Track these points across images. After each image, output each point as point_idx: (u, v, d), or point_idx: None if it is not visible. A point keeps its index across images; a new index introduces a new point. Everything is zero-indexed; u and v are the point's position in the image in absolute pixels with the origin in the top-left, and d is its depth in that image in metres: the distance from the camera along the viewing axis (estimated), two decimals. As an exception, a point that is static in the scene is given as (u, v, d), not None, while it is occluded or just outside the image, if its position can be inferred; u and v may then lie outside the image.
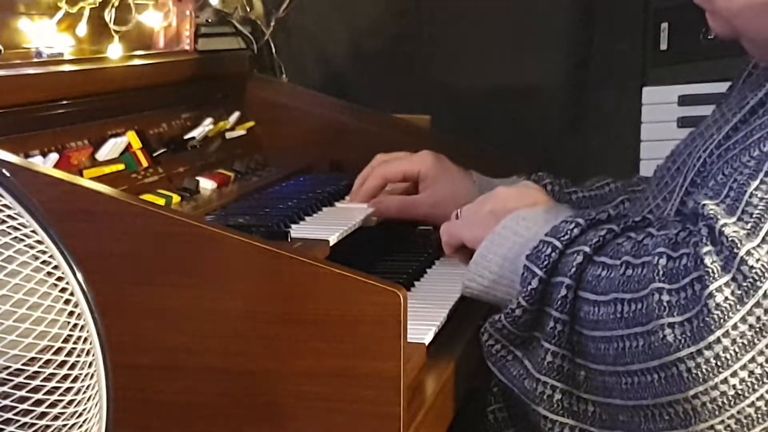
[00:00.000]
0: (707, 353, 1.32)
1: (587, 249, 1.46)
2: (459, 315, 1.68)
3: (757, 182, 1.37)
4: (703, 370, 1.32)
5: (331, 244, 1.72)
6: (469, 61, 2.84)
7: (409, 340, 1.37)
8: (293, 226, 1.79)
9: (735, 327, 1.31)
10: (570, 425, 1.46)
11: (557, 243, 1.49)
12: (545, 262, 1.48)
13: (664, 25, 2.61)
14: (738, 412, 1.33)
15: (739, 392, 1.32)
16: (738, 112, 1.57)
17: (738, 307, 1.31)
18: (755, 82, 1.65)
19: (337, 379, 1.35)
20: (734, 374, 1.32)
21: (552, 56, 2.82)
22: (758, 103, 1.55)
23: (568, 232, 1.49)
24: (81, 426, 1.07)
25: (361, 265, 1.69)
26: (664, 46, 2.62)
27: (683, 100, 2.56)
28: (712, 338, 1.31)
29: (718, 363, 1.32)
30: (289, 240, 1.68)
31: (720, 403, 1.33)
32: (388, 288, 1.34)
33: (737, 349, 1.31)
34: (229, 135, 2.25)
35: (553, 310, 1.45)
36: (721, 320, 1.31)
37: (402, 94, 2.80)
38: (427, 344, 1.52)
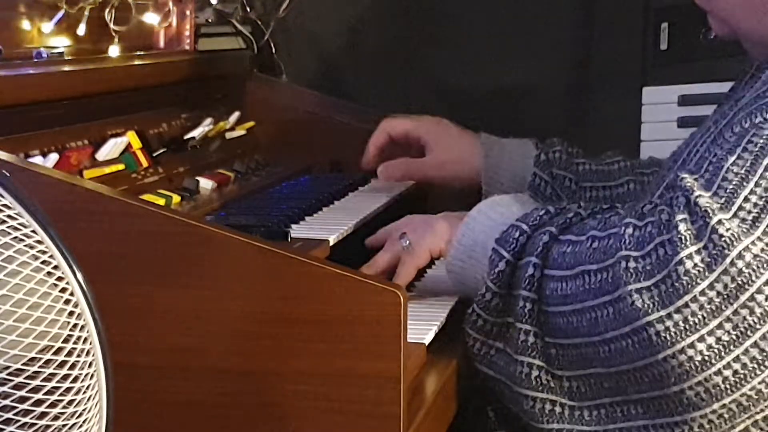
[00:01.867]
0: (676, 317, 1.35)
1: (553, 229, 1.50)
2: (459, 315, 1.68)
3: (734, 157, 1.41)
4: (672, 333, 1.36)
5: (331, 244, 1.72)
6: (469, 61, 2.84)
7: (409, 340, 1.37)
8: (293, 226, 1.79)
9: (703, 293, 1.35)
10: (550, 400, 1.49)
11: (525, 227, 1.52)
12: (513, 245, 1.51)
13: (664, 25, 2.62)
14: (705, 380, 1.37)
15: (706, 358, 1.36)
16: (735, 109, 1.58)
17: (707, 273, 1.35)
18: (754, 81, 1.65)
19: (337, 379, 1.35)
20: (701, 339, 1.35)
21: (552, 56, 2.82)
22: (751, 98, 1.56)
23: (538, 217, 1.53)
24: (81, 426, 1.07)
25: (361, 265, 1.70)
26: (664, 46, 2.62)
27: (683, 100, 2.57)
28: (680, 303, 1.35)
29: (686, 327, 1.35)
30: (289, 240, 1.68)
31: (687, 368, 1.37)
32: (388, 288, 1.34)
33: (705, 315, 1.35)
34: (229, 135, 2.25)
35: (522, 290, 1.48)
36: (690, 286, 1.35)
37: (402, 94, 2.80)
38: (427, 344, 1.52)
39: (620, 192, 1.97)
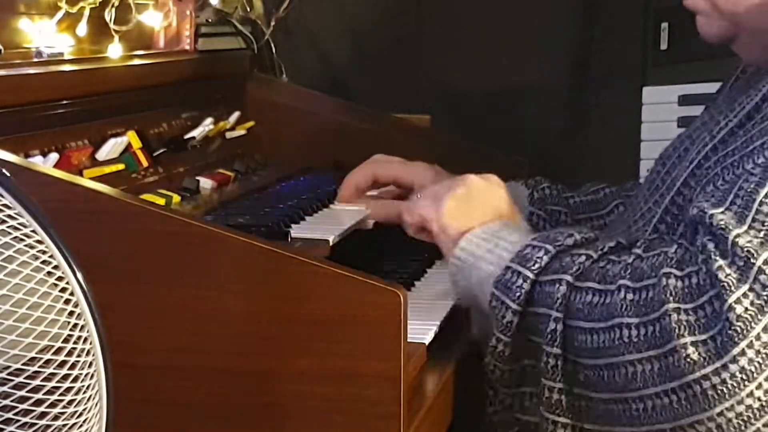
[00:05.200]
0: (732, 367, 1.31)
1: (569, 278, 1.44)
2: (459, 315, 1.68)
3: (766, 189, 1.37)
4: (729, 386, 1.31)
5: (331, 244, 1.71)
6: (469, 61, 2.84)
7: (409, 340, 1.37)
8: (293, 226, 1.79)
9: (758, 337, 1.30)
10: None
11: (528, 273, 1.47)
12: (517, 294, 1.46)
13: (664, 25, 2.62)
14: (764, 425, 1.33)
15: (764, 404, 1.32)
16: (731, 115, 1.57)
17: (759, 317, 1.30)
18: (745, 85, 1.65)
19: (337, 379, 1.35)
20: (759, 386, 1.31)
21: (552, 56, 2.83)
22: (754, 107, 1.54)
23: (538, 260, 1.48)
24: (81, 426, 1.07)
25: (361, 265, 1.69)
26: (664, 46, 2.62)
27: (683, 100, 2.57)
28: (736, 351, 1.30)
29: (744, 376, 1.31)
30: (289, 240, 1.68)
31: (746, 417, 1.33)
32: (388, 288, 1.34)
33: (761, 360, 1.31)
34: (229, 135, 2.25)
35: (545, 345, 1.44)
36: (744, 331, 1.30)
37: (402, 94, 2.80)
38: (427, 344, 1.52)
39: (612, 218, 1.94)
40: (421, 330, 1.54)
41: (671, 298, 1.35)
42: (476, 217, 1.61)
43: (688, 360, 1.32)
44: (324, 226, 1.80)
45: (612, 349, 1.38)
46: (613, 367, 1.39)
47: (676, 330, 1.33)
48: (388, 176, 1.96)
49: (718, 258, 1.33)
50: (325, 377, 1.35)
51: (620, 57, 2.76)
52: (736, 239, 1.33)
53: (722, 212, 1.36)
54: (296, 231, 1.75)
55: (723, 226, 1.35)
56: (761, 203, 1.36)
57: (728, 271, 1.32)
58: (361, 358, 1.34)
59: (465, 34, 2.84)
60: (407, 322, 1.34)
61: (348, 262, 1.41)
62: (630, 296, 1.39)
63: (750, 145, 1.48)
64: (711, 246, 1.34)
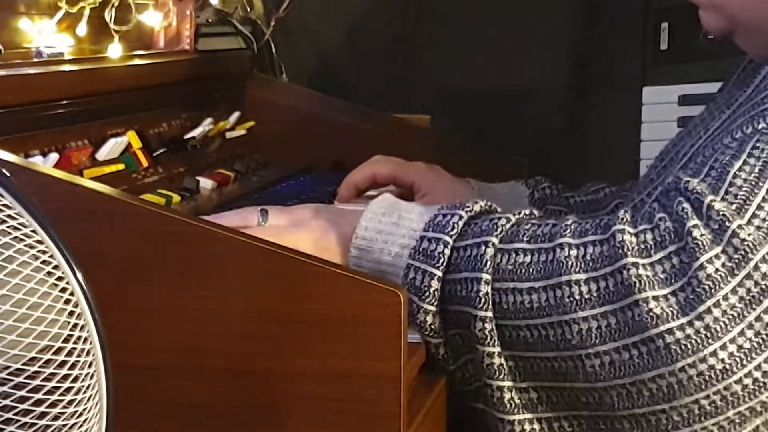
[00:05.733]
0: (697, 324, 1.31)
1: (494, 239, 1.41)
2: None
3: (739, 163, 1.38)
4: (693, 342, 1.32)
5: (331, 244, 1.71)
6: (469, 61, 2.84)
7: (409, 340, 1.37)
8: (293, 226, 1.78)
9: (726, 298, 1.31)
10: (528, 419, 1.44)
11: (446, 238, 1.43)
12: (439, 260, 1.42)
13: (664, 25, 2.62)
14: (725, 388, 1.33)
15: (727, 367, 1.32)
16: (728, 111, 1.58)
17: (729, 278, 1.31)
18: (743, 81, 1.65)
19: (337, 379, 1.35)
20: (723, 347, 1.32)
21: (552, 56, 2.83)
22: (746, 99, 1.55)
23: (454, 225, 1.44)
24: (81, 426, 1.07)
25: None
26: (664, 46, 2.63)
27: (683, 100, 2.57)
28: (702, 308, 1.31)
29: (708, 334, 1.31)
30: (289, 240, 1.67)
31: (707, 377, 1.33)
32: (389, 288, 1.34)
33: (727, 321, 1.31)
34: (229, 135, 2.25)
35: (476, 310, 1.40)
36: (712, 290, 1.31)
37: (402, 94, 2.81)
38: (427, 344, 1.52)
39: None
40: (421, 330, 1.53)
41: (628, 253, 1.35)
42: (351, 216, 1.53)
43: (651, 314, 1.32)
44: (324, 226, 1.80)
45: (558, 307, 1.37)
46: (561, 325, 1.37)
47: (637, 284, 1.33)
48: (388, 176, 1.95)
49: (693, 217, 1.34)
50: (325, 377, 1.35)
51: (620, 57, 2.77)
52: (712, 203, 1.34)
53: (697, 182, 1.38)
54: (296, 231, 1.74)
55: (698, 191, 1.36)
56: (734, 176, 1.37)
57: (703, 231, 1.33)
58: (361, 358, 1.34)
59: (465, 34, 2.84)
60: (407, 322, 1.34)
61: (348, 262, 1.41)
62: (573, 252, 1.38)
63: (731, 125, 1.49)
64: (687, 206, 1.35)
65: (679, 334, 1.32)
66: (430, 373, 1.50)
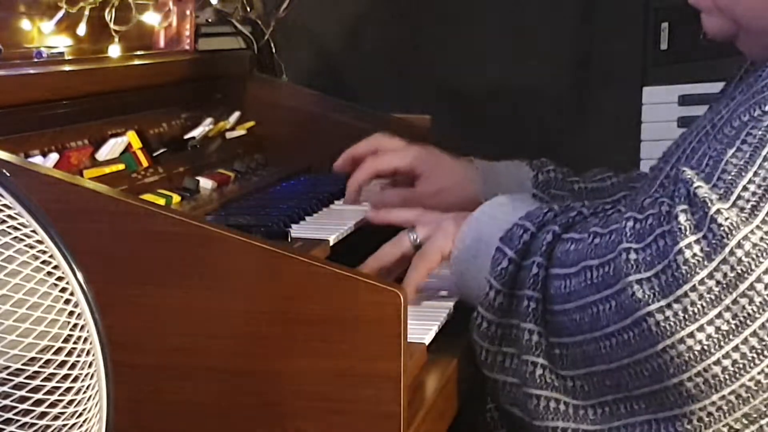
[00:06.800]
0: (675, 306, 1.36)
1: (557, 228, 1.51)
2: (460, 314, 1.68)
3: (733, 150, 1.42)
4: (671, 323, 1.37)
5: (331, 244, 1.72)
6: (469, 61, 2.84)
7: (409, 340, 1.37)
8: (293, 226, 1.79)
9: (702, 282, 1.36)
10: (554, 398, 1.49)
11: (530, 225, 1.52)
12: (517, 243, 1.51)
13: (664, 25, 2.62)
14: (704, 370, 1.37)
15: (705, 348, 1.36)
16: (727, 107, 1.58)
17: (706, 263, 1.36)
18: (744, 81, 1.65)
19: (337, 379, 1.35)
20: (701, 329, 1.36)
21: (552, 56, 2.83)
22: (746, 88, 1.56)
23: (542, 215, 1.54)
24: (81, 426, 1.07)
25: (361, 265, 1.69)
26: (664, 46, 2.63)
27: (683, 100, 2.57)
28: (680, 292, 1.36)
29: (686, 316, 1.36)
30: (289, 240, 1.68)
31: (687, 358, 1.37)
32: (389, 288, 1.34)
33: (704, 304, 1.36)
34: (229, 135, 2.25)
35: (526, 289, 1.48)
36: (689, 275, 1.36)
37: (402, 94, 2.81)
38: (427, 344, 1.52)
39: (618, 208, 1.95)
40: (421, 330, 1.54)
41: (624, 239, 1.41)
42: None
43: (635, 298, 1.39)
44: (324, 226, 1.81)
45: (580, 291, 1.45)
46: (581, 310, 1.44)
47: (624, 269, 1.40)
48: (388, 169, 1.99)
49: (684, 202, 1.39)
50: (325, 377, 1.35)
51: (620, 57, 2.77)
52: (697, 189, 1.39)
53: (695, 171, 1.43)
54: (296, 231, 1.75)
55: (689, 179, 1.41)
56: (726, 162, 1.41)
57: (689, 216, 1.38)
58: (361, 358, 1.34)
59: (465, 33, 2.84)
60: (407, 322, 1.34)
61: (348, 262, 1.41)
62: (597, 240, 1.46)
63: (731, 116, 1.52)
64: (683, 192, 1.41)
65: (659, 317, 1.37)
66: (431, 373, 1.50)
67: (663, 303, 1.36)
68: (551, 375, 1.49)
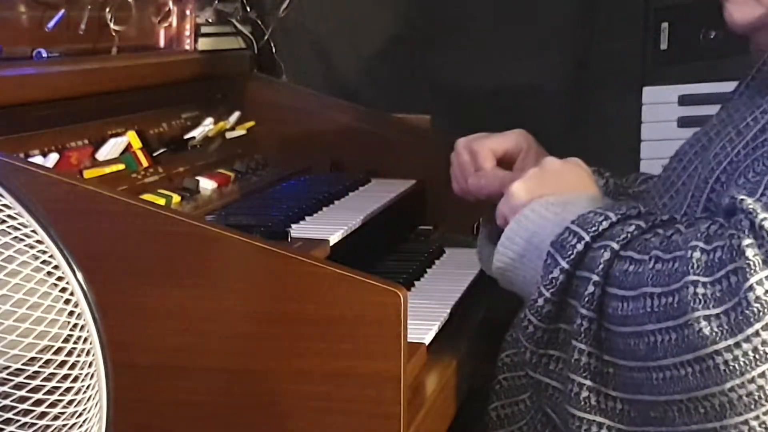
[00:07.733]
0: (745, 346, 1.31)
1: (614, 245, 1.44)
2: (459, 314, 1.68)
3: None
4: (741, 363, 1.31)
5: (331, 244, 1.72)
6: (469, 61, 2.84)
7: (409, 340, 1.37)
8: (293, 226, 1.79)
9: None
10: (597, 422, 1.45)
11: (584, 234, 1.46)
12: (570, 253, 1.46)
13: (664, 25, 2.62)
14: None
15: None
16: (758, 112, 1.55)
17: None
18: (763, 84, 1.63)
19: (337, 379, 1.35)
20: None
21: (552, 56, 2.83)
22: None
23: (597, 224, 1.47)
24: (81, 426, 1.07)
25: (361, 265, 1.69)
26: (664, 46, 2.63)
27: (683, 100, 2.57)
28: (750, 331, 1.30)
29: (756, 356, 1.31)
30: (289, 240, 1.68)
31: (756, 397, 1.32)
32: (389, 288, 1.34)
33: None
34: (229, 135, 2.25)
35: (581, 307, 1.43)
36: (761, 313, 1.30)
37: (402, 94, 2.80)
38: (427, 344, 1.52)
39: (648, 210, 1.91)
40: (421, 330, 1.54)
41: (691, 271, 1.35)
42: (547, 193, 1.59)
43: (701, 334, 1.33)
44: (324, 226, 1.81)
45: (638, 317, 1.39)
46: (637, 336, 1.39)
47: (691, 303, 1.34)
48: (499, 150, 1.91)
49: (749, 236, 1.33)
50: (325, 377, 1.35)
51: (620, 57, 2.76)
52: (764, 222, 1.33)
53: (753, 201, 1.37)
54: (296, 231, 1.75)
55: (752, 210, 1.35)
56: None
57: (756, 251, 1.32)
58: (361, 358, 1.34)
59: (465, 33, 2.84)
60: (407, 322, 1.34)
61: (348, 262, 1.41)
62: (658, 266, 1.39)
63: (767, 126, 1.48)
64: (745, 224, 1.35)
65: (727, 356, 1.32)
66: (431, 373, 1.50)
67: (731, 341, 1.31)
68: (597, 397, 1.45)
